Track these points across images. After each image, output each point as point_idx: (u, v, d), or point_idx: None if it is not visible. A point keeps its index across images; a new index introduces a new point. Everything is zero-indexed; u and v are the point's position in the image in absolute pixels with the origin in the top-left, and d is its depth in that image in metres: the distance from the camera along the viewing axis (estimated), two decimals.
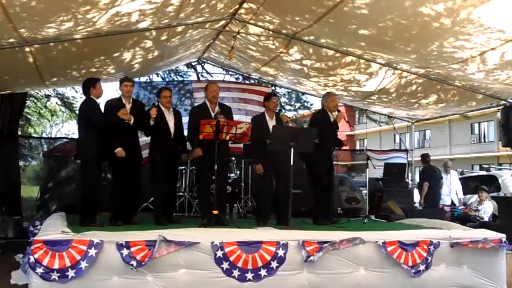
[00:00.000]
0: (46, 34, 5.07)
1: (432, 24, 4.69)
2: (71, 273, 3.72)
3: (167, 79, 11.50)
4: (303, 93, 10.70)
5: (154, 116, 5.41)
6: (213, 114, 5.56)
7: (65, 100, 12.46)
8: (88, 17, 4.74)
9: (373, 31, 5.29)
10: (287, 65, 7.57)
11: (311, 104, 14.24)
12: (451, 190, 8.96)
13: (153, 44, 6.47)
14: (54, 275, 3.69)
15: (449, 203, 8.89)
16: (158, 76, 11.25)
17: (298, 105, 13.89)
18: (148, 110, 5.60)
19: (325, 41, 6.26)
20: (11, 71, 6.28)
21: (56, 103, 12.95)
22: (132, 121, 5.36)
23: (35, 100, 12.75)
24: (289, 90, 11.22)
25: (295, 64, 7.37)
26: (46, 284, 3.69)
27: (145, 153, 5.91)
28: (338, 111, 6.04)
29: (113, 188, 5.51)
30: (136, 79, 8.89)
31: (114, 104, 5.40)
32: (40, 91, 11.42)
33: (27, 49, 5.43)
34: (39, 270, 3.66)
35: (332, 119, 6.00)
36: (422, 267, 4.48)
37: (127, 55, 6.72)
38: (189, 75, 11.76)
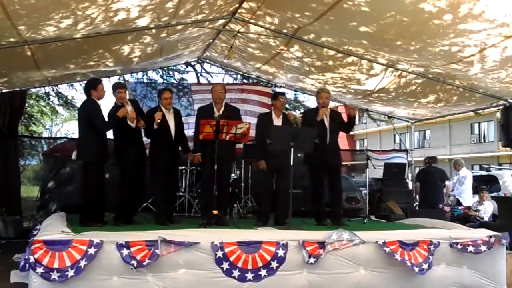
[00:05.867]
0: (46, 33, 5.05)
1: (433, 21, 4.65)
2: (70, 272, 3.72)
3: (165, 77, 11.52)
4: (303, 92, 10.67)
5: (159, 120, 5.41)
6: (216, 115, 5.54)
7: (65, 99, 12.44)
8: (87, 13, 4.72)
9: (374, 29, 5.26)
10: (287, 62, 7.54)
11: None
12: (458, 188, 8.86)
13: (152, 39, 6.48)
14: (54, 275, 3.69)
15: (466, 204, 8.64)
16: (157, 74, 11.26)
17: (297, 104, 13.85)
18: (148, 112, 5.59)
19: (325, 40, 6.23)
20: (9, 65, 6.25)
21: (54, 100, 12.96)
22: (134, 123, 5.35)
23: (38, 98, 12.72)
24: (288, 91, 11.21)
25: (295, 61, 7.34)
26: (46, 283, 3.69)
27: None
28: (323, 107, 5.85)
29: (120, 189, 5.49)
30: (134, 80, 8.95)
31: (116, 110, 5.34)
32: (41, 89, 11.41)
33: (26, 46, 5.41)
34: (39, 270, 3.66)
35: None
36: (425, 266, 4.46)
37: (126, 49, 6.71)
38: (187, 77, 11.78)
